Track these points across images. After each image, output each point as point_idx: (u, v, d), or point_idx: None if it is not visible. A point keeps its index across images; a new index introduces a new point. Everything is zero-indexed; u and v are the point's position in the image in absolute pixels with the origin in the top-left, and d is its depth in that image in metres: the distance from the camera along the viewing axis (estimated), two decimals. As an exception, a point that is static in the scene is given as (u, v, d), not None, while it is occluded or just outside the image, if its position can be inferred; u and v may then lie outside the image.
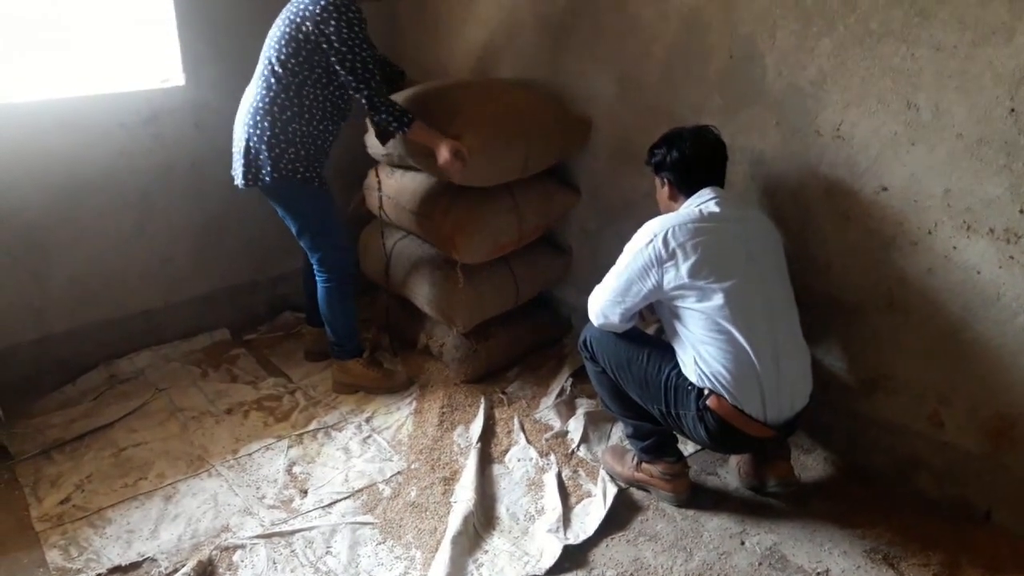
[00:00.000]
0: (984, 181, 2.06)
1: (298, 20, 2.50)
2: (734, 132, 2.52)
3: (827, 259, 2.45)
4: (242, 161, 2.63)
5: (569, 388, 2.99)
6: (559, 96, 3.06)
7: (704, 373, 2.11)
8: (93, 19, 2.90)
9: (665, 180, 2.31)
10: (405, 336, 3.36)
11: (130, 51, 2.99)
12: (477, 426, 2.76)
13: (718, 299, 2.08)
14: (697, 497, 2.42)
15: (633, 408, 2.36)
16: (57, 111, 2.79)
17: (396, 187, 3.08)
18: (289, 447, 2.69)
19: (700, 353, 2.13)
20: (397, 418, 2.85)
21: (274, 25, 2.59)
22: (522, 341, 3.25)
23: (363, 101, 2.55)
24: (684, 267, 2.09)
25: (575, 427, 2.74)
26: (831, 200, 2.39)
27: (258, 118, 2.58)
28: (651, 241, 2.12)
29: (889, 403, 2.44)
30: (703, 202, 2.20)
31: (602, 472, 2.51)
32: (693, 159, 2.24)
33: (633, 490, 2.46)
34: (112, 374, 3.09)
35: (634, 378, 2.28)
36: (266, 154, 2.59)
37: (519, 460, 2.61)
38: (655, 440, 2.37)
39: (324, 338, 3.06)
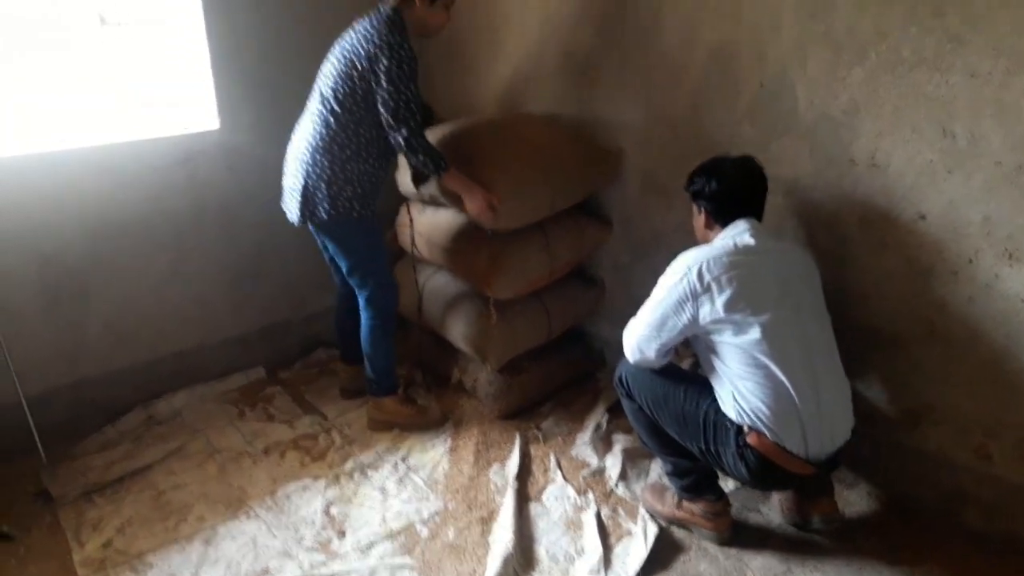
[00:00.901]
0: (1024, 208, 2.03)
1: (352, 58, 2.50)
2: (766, 162, 2.49)
3: (865, 289, 2.42)
4: (299, 199, 2.63)
5: (605, 424, 2.96)
6: (587, 130, 3.07)
7: (743, 409, 2.08)
8: (131, 64, 2.97)
9: (702, 209, 2.28)
10: (438, 372, 3.36)
11: (166, 95, 3.06)
12: (513, 464, 2.74)
13: (755, 333, 2.06)
14: (740, 535, 2.37)
15: (672, 445, 2.33)
16: (96, 158, 2.85)
17: (428, 224, 3.10)
18: (326, 487, 2.69)
19: (738, 388, 2.10)
20: (433, 456, 2.85)
21: (327, 60, 2.61)
22: (556, 376, 3.24)
23: (400, 142, 2.53)
24: (719, 301, 2.06)
25: (612, 464, 2.71)
26: (867, 229, 2.37)
27: (317, 156, 2.58)
28: (685, 275, 2.10)
29: (933, 435, 2.39)
30: (738, 233, 2.18)
31: (642, 511, 2.48)
32: (733, 191, 2.22)
33: (674, 529, 2.42)
34: (150, 415, 3.12)
35: (671, 415, 2.25)
36: (324, 192, 2.59)
37: (557, 499, 2.58)
38: (695, 478, 2.34)
39: (360, 375, 3.07)
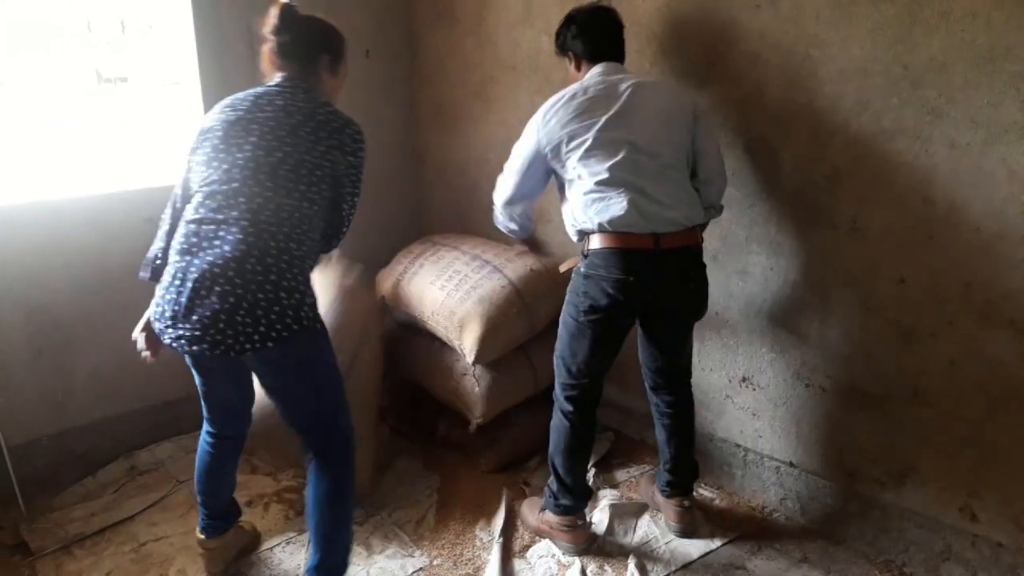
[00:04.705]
0: (1002, 274, 2.09)
1: (326, 152, 2.09)
2: (750, 223, 2.58)
3: (849, 350, 2.46)
4: (258, 318, 1.94)
5: (592, 478, 2.96)
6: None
7: (582, 223, 2.33)
8: (125, 116, 3.01)
9: (571, 55, 2.51)
10: (424, 427, 3.35)
11: (157, 145, 3.09)
12: (499, 519, 2.73)
13: (582, 150, 2.28)
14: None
15: (569, 465, 2.53)
16: (87, 208, 2.87)
17: (403, 295, 3.13)
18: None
19: (578, 218, 2.34)
20: (418, 511, 2.83)
21: (267, 147, 2.04)
22: (543, 428, 3.22)
23: (336, 244, 2.30)
24: (552, 130, 2.32)
25: (600, 519, 2.71)
26: (848, 292, 2.42)
27: (283, 265, 1.98)
28: (535, 117, 2.40)
29: (918, 495, 2.42)
30: (590, 73, 2.43)
31: (630, 567, 2.47)
32: (589, 30, 2.45)
33: (661, 586, 2.43)
34: (132, 466, 3.08)
35: (570, 346, 2.44)
36: (298, 300, 2.00)
37: (542, 555, 2.57)
38: (577, 497, 2.55)
39: (226, 553, 2.50)
